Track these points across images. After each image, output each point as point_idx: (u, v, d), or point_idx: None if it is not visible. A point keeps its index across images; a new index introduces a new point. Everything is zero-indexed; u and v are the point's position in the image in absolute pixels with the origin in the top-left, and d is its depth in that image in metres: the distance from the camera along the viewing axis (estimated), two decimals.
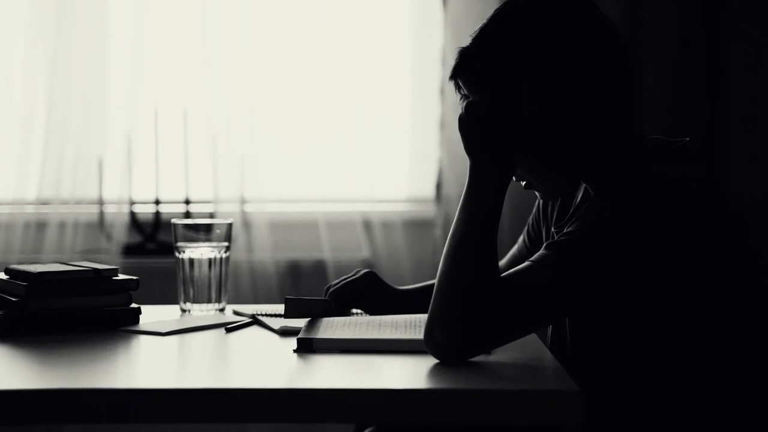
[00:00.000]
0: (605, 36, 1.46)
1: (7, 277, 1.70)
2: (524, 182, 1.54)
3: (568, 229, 1.43)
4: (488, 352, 1.44)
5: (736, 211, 1.46)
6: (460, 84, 1.51)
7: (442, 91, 2.91)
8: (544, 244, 1.43)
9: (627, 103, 1.48)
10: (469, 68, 1.48)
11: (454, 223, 1.45)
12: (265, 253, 2.91)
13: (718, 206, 1.44)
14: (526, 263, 1.42)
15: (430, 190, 2.99)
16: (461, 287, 1.39)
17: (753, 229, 2.63)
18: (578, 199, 1.60)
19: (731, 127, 2.85)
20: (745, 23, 2.85)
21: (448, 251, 1.42)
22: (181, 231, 1.87)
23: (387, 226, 2.94)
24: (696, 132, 2.82)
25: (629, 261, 1.38)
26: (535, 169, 1.50)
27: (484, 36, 1.48)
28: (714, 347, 1.43)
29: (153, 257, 2.89)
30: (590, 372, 1.49)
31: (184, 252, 1.86)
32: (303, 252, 2.96)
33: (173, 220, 1.89)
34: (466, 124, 1.46)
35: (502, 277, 1.40)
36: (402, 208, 3.00)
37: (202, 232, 1.87)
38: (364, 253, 2.94)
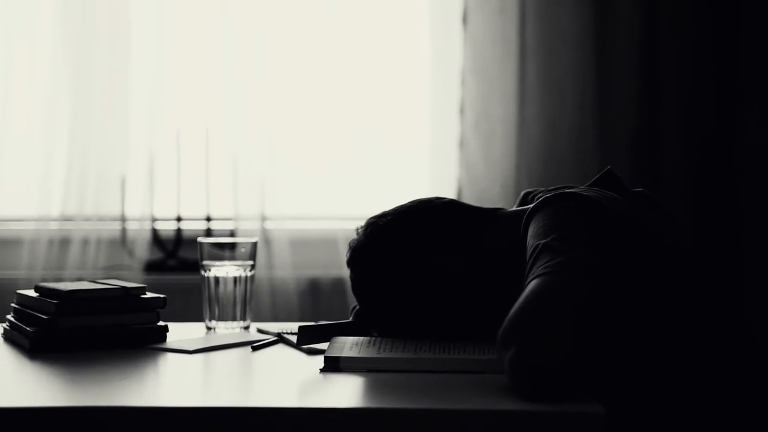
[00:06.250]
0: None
1: (38, 294, 1.73)
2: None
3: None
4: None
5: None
6: None
7: (462, 110, 2.93)
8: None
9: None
10: None
11: None
12: (285, 270, 2.93)
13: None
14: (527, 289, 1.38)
15: None
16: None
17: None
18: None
19: (749, 131, 2.89)
20: (758, 28, 2.89)
21: None
22: (206, 249, 1.89)
23: None
24: (709, 136, 2.88)
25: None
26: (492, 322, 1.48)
27: None
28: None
29: (174, 274, 2.91)
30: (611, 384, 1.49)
31: (209, 270, 1.89)
32: (323, 269, 2.98)
33: (199, 239, 1.91)
34: None
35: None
36: None
37: (228, 250, 1.90)
38: None
